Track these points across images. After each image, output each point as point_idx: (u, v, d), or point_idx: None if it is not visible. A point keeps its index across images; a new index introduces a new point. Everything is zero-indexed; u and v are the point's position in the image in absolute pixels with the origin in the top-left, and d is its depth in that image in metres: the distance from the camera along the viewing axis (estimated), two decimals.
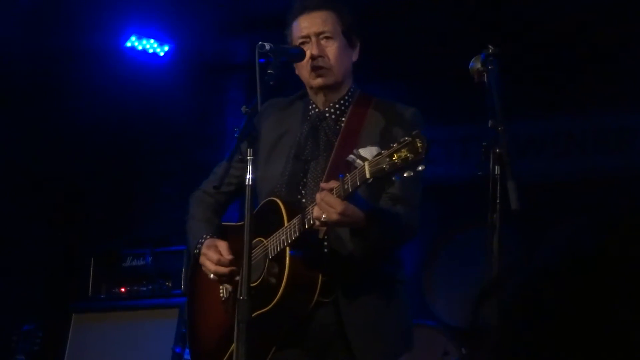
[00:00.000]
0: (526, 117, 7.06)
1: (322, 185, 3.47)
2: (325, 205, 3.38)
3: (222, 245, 3.83)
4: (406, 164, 3.19)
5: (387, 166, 3.21)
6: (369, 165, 3.25)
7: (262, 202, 3.76)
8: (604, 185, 6.93)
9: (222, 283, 3.88)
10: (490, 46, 3.33)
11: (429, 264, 7.40)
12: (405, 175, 3.21)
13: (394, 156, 3.20)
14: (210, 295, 3.95)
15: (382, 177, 3.26)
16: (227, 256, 3.79)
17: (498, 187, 3.15)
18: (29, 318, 7.02)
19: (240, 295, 3.37)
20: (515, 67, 6.43)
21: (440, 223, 7.38)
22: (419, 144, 3.18)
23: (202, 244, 3.90)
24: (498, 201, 3.14)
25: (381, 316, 3.69)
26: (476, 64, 3.35)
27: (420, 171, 3.21)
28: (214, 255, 3.81)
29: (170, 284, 6.50)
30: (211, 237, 3.91)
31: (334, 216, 3.38)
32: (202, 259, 3.86)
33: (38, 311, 7.09)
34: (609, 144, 7.09)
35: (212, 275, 3.83)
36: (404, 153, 3.19)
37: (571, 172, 7.15)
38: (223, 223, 4.06)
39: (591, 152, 7.15)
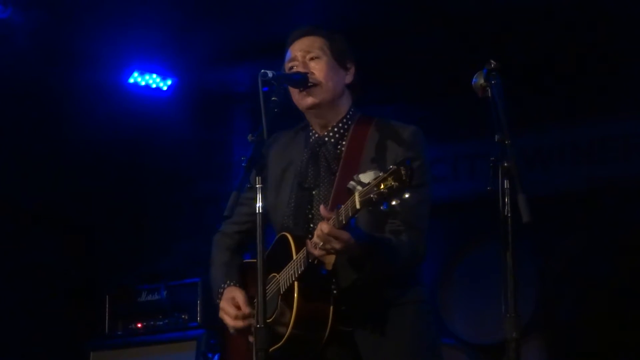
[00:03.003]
0: (530, 129, 7.06)
1: (323, 213, 3.48)
2: (333, 239, 3.41)
3: (240, 297, 3.84)
4: (392, 192, 3.23)
5: (375, 196, 3.25)
6: (358, 195, 3.30)
7: (276, 238, 3.78)
8: (612, 193, 6.93)
9: (241, 334, 3.88)
10: (492, 61, 3.33)
11: (444, 282, 7.38)
12: (393, 203, 3.24)
13: (381, 185, 3.24)
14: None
15: (371, 207, 3.29)
16: (245, 310, 3.81)
17: (508, 202, 3.14)
18: (47, 358, 7.03)
19: (257, 324, 3.36)
20: (518, 80, 6.44)
21: (452, 241, 7.37)
22: (403, 172, 3.22)
23: (221, 294, 3.91)
24: (509, 215, 3.14)
25: (399, 339, 3.67)
26: (479, 80, 3.35)
27: (406, 199, 3.24)
28: (231, 310, 3.83)
29: (186, 317, 6.49)
30: (228, 285, 3.91)
31: (339, 246, 3.42)
32: (221, 313, 3.88)
33: (56, 351, 7.08)
34: (615, 152, 7.09)
35: (231, 330, 3.86)
36: (389, 182, 3.23)
37: (578, 182, 7.14)
38: (244, 261, 4.06)
39: (598, 161, 7.14)
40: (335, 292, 3.61)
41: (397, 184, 3.22)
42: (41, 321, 7.16)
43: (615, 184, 7.00)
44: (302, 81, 3.77)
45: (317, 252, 3.48)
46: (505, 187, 3.15)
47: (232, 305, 3.83)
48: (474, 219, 6.96)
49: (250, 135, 3.49)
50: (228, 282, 3.93)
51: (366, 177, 3.30)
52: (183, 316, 6.52)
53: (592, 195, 6.99)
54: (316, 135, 3.88)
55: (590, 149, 7.18)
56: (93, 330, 6.84)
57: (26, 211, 7.21)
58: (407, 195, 3.23)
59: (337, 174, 3.75)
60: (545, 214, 6.27)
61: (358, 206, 3.30)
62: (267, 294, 3.62)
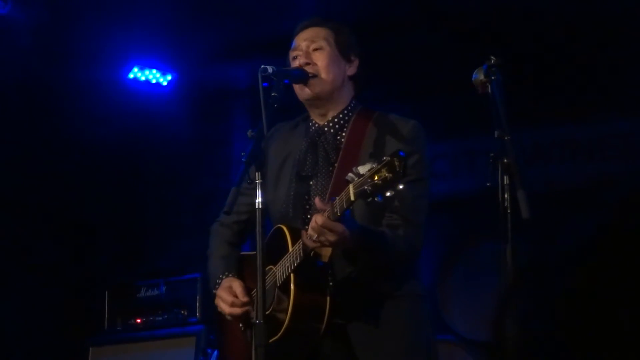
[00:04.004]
0: (530, 126, 7.06)
1: (318, 205, 3.48)
2: (327, 231, 3.40)
3: (237, 287, 3.86)
4: (386, 183, 3.22)
5: (369, 187, 3.24)
6: (352, 187, 3.29)
7: (272, 230, 3.78)
8: (612, 191, 6.92)
9: (238, 322, 3.90)
10: (492, 57, 3.33)
11: (444, 278, 7.38)
12: (387, 195, 3.24)
13: (374, 177, 3.24)
14: (234, 326, 3.97)
15: (366, 198, 3.28)
16: (242, 298, 3.83)
17: (508, 197, 3.14)
18: (46, 354, 7.02)
19: (256, 320, 3.36)
20: (518, 77, 6.43)
21: (452, 237, 7.36)
22: (396, 163, 3.22)
23: (219, 284, 3.93)
24: (509, 211, 3.13)
25: (392, 332, 3.67)
26: (479, 76, 3.35)
27: (400, 190, 3.23)
28: (227, 298, 3.84)
29: (185, 313, 6.50)
30: (227, 275, 3.93)
31: (333, 238, 3.42)
32: (217, 301, 3.90)
33: (55, 347, 7.08)
34: (615, 149, 7.08)
35: (227, 317, 3.88)
36: (383, 173, 3.22)
37: (578, 179, 7.13)
38: (242, 253, 4.07)
39: (597, 159, 7.13)
40: (331, 284, 3.61)
41: (390, 175, 3.21)
42: (41, 317, 7.16)
43: (615, 182, 6.99)
44: (302, 77, 3.78)
45: (312, 244, 3.49)
46: (505, 183, 3.15)
47: (229, 294, 3.85)
48: (474, 215, 6.95)
49: (250, 131, 3.49)
50: (227, 273, 3.95)
51: (365, 168, 3.30)
52: (182, 312, 6.52)
53: (591, 192, 6.99)
54: (316, 125, 3.89)
55: (590, 146, 7.18)
56: (92, 325, 6.83)
57: (26, 207, 7.20)
58: (401, 187, 3.23)
59: (336, 164, 3.76)
60: (545, 211, 6.27)
61: (352, 198, 3.30)
62: (265, 287, 3.63)
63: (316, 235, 3.43)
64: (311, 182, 3.79)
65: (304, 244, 3.54)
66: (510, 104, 3.26)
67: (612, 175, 7.04)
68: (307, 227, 3.57)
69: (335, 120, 3.85)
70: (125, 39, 6.82)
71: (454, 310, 7.29)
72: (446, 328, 7.13)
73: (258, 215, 3.41)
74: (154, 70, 7.39)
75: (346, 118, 3.85)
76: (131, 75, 7.35)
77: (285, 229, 3.70)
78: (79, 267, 7.43)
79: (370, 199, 3.28)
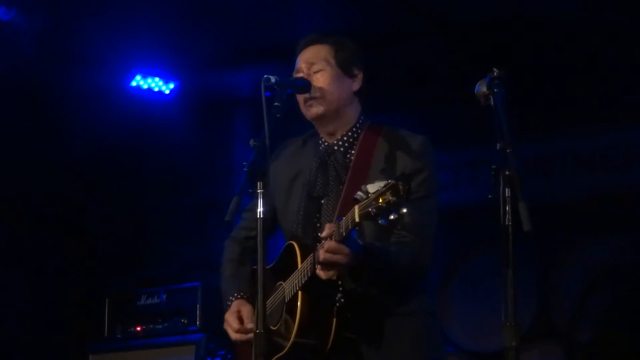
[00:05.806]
0: (532, 138, 7.06)
1: (323, 235, 3.49)
2: (334, 256, 3.42)
3: (245, 311, 3.86)
4: (390, 207, 3.23)
5: (374, 210, 3.25)
6: (358, 209, 3.31)
7: (283, 247, 3.79)
8: (613, 202, 6.92)
9: (243, 344, 3.90)
10: (495, 69, 3.33)
11: (444, 289, 7.38)
12: (391, 218, 3.24)
13: (379, 199, 3.25)
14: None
15: (370, 220, 3.30)
16: (248, 325, 3.82)
17: (509, 210, 3.14)
18: None
19: (257, 329, 3.36)
20: (520, 89, 6.44)
21: (452, 249, 7.36)
22: (400, 187, 3.22)
23: (229, 306, 3.93)
24: (510, 224, 3.13)
25: (404, 349, 3.65)
26: (482, 88, 3.34)
27: (405, 213, 3.24)
28: (234, 324, 3.85)
29: (185, 321, 6.49)
30: (236, 297, 3.93)
31: (344, 260, 3.44)
32: (225, 325, 3.90)
33: (55, 354, 7.08)
34: (617, 161, 7.08)
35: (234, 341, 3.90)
36: (388, 196, 3.24)
37: (580, 191, 7.13)
38: (254, 267, 4.05)
39: (599, 170, 7.13)
40: (342, 300, 3.61)
41: (394, 199, 3.22)
42: (41, 323, 7.16)
43: (616, 193, 6.99)
44: (305, 87, 3.77)
45: (321, 260, 3.49)
46: (507, 195, 3.15)
47: (236, 319, 3.85)
48: (475, 227, 6.96)
49: (252, 140, 3.48)
50: (236, 294, 3.94)
51: (373, 187, 3.30)
52: (182, 320, 6.52)
53: (593, 204, 6.99)
54: (325, 144, 3.87)
55: (592, 157, 7.18)
56: (92, 333, 6.84)
57: (27, 214, 7.21)
58: (404, 210, 3.23)
59: (345, 183, 3.75)
60: (546, 223, 6.27)
61: (357, 219, 3.31)
62: (273, 303, 3.67)
63: (323, 258, 3.43)
64: (322, 201, 3.79)
65: (313, 267, 3.54)
66: (512, 115, 3.26)
67: (614, 187, 7.04)
68: (317, 244, 3.57)
69: (345, 138, 3.83)
70: (128, 47, 6.83)
71: (454, 322, 7.29)
72: (446, 339, 7.12)
73: (259, 224, 3.40)
74: (157, 79, 7.40)
75: (355, 135, 3.83)
76: (134, 84, 7.36)
77: (296, 246, 3.70)
78: (80, 274, 7.43)
79: (374, 221, 3.29)
